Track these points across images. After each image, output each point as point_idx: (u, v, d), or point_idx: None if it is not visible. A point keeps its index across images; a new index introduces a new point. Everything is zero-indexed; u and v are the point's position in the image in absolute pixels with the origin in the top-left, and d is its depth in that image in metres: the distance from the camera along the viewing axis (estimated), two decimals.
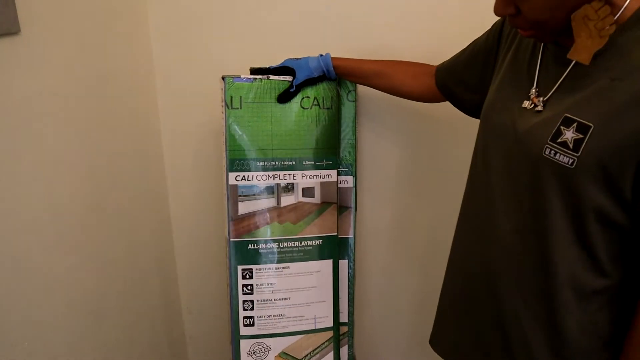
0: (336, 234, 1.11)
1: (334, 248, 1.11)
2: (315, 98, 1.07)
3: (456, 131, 1.11)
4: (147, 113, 1.20)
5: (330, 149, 1.09)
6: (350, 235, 1.15)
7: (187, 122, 1.21)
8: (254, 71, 1.04)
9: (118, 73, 1.07)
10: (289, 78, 1.04)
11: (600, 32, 0.61)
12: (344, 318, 1.16)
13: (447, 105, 0.97)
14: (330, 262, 1.11)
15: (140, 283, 1.18)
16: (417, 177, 1.21)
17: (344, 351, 1.17)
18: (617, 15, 0.61)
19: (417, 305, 1.29)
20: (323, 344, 1.13)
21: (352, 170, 1.14)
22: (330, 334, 1.13)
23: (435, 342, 0.90)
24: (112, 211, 1.06)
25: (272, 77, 1.04)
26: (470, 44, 0.91)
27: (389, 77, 1.01)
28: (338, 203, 1.11)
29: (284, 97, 1.04)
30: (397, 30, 1.10)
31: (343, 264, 1.15)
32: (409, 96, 1.03)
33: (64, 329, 0.93)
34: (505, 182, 0.72)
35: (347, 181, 1.14)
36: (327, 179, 1.09)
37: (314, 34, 1.13)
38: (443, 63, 0.97)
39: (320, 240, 1.10)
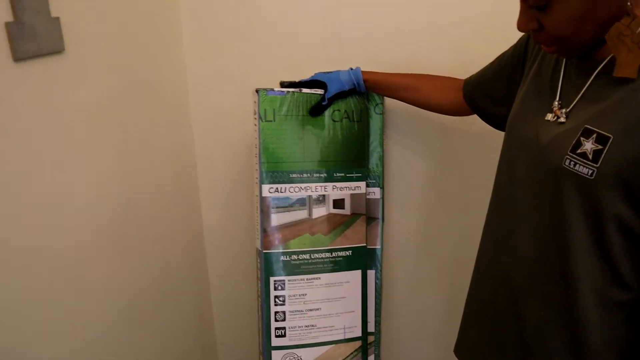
0: (365, 244, 1.12)
1: (363, 258, 1.12)
2: (345, 111, 1.08)
3: (482, 143, 1.13)
4: (180, 126, 1.22)
5: (360, 161, 1.10)
6: (378, 246, 1.16)
7: (219, 135, 1.23)
8: (284, 85, 1.06)
9: (153, 88, 1.10)
10: (320, 91, 1.05)
11: (639, 44, 0.60)
12: (371, 328, 1.17)
13: (473, 117, 1.00)
14: (359, 272, 1.12)
15: (174, 291, 1.19)
16: (444, 188, 1.23)
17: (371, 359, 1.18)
18: None
19: (444, 315, 1.30)
20: (352, 353, 1.14)
21: (380, 182, 1.15)
22: (358, 343, 1.14)
23: (460, 351, 0.91)
24: (146, 221, 1.08)
25: (304, 90, 1.05)
26: (497, 57, 0.92)
27: (418, 91, 1.03)
28: (367, 214, 1.12)
29: (317, 110, 1.05)
30: (425, 45, 1.13)
31: (370, 274, 1.16)
32: (437, 109, 1.05)
33: (97, 335, 0.94)
34: (528, 193, 0.73)
35: (375, 192, 1.16)
36: (356, 191, 1.11)
37: (342, 48, 1.15)
38: (470, 77, 0.99)
39: (350, 251, 1.11)
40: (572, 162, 0.64)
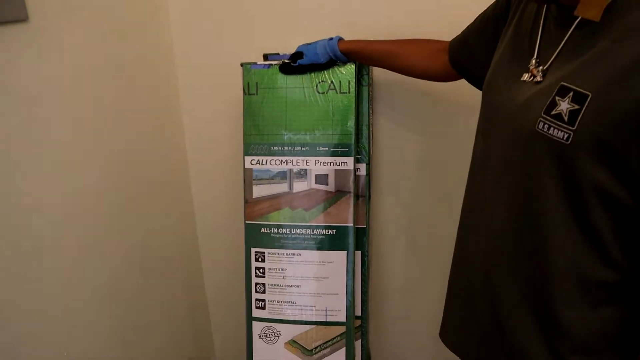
0: (351, 225, 1.05)
1: (348, 239, 1.06)
2: (331, 82, 1.04)
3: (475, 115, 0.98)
4: (168, 102, 1.19)
5: (347, 135, 1.04)
6: (364, 226, 1.08)
7: (209, 109, 1.24)
8: (267, 57, 1.06)
9: (136, 60, 1.06)
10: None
11: None
12: (357, 311, 1.10)
13: (465, 87, 0.87)
14: (343, 254, 1.06)
15: (165, 271, 1.22)
16: (437, 165, 1.11)
17: (358, 344, 1.11)
18: None
19: (437, 298, 1.14)
20: (334, 338, 1.08)
21: (367, 157, 1.07)
22: (342, 329, 1.08)
23: (444, 335, 0.83)
24: (132, 199, 1.08)
25: (286, 62, 1.04)
26: (479, 15, 0.82)
27: (402, 57, 0.94)
28: (354, 192, 1.05)
29: (286, 68, 1.03)
30: (408, 7, 1.02)
31: (357, 255, 1.09)
32: (424, 76, 0.95)
33: (82, 319, 0.95)
34: (500, 162, 0.65)
35: (361, 169, 1.08)
36: (342, 167, 1.05)
37: (329, 17, 1.10)
38: (455, 38, 0.88)
39: (334, 230, 1.06)
40: (545, 125, 0.56)
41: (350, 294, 1.06)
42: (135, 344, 1.12)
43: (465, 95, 0.87)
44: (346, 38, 1.00)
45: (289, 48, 1.05)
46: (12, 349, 0.81)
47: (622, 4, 0.53)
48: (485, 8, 0.82)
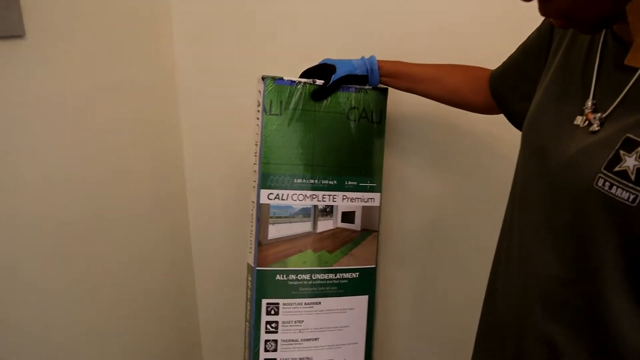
0: (374, 266, 0.97)
1: (371, 282, 0.96)
2: (364, 109, 0.93)
3: (498, 150, 1.00)
4: (167, 123, 1.06)
5: (376, 169, 0.95)
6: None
7: (212, 134, 1.07)
8: (301, 75, 0.90)
9: (136, 80, 0.95)
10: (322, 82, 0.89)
11: None
12: None
13: (488, 121, 0.87)
14: (365, 298, 0.96)
15: (155, 305, 1.04)
16: (451, 203, 1.10)
17: None
18: None
19: (449, 348, 1.16)
20: None
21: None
22: None
23: None
24: (122, 225, 0.92)
25: (318, 81, 0.89)
26: (521, 44, 0.77)
27: (442, 82, 0.88)
28: (380, 231, 0.97)
29: (319, 93, 0.89)
30: (443, 33, 0.99)
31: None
32: (463, 104, 0.89)
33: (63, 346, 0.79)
34: (544, 218, 0.58)
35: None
36: (369, 203, 0.95)
37: (351, 41, 1.00)
38: (497, 67, 0.83)
39: (357, 273, 0.95)
40: (607, 183, 0.49)
41: (370, 342, 0.97)
42: None
43: (491, 127, 0.87)
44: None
45: (296, 74, 0.91)
46: None
47: None
48: (528, 35, 0.76)
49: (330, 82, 0.88)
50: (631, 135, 0.48)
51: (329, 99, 0.90)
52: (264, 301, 0.90)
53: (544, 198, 0.58)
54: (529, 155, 0.63)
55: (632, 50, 0.48)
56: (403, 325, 1.18)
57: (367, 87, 0.92)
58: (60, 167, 0.78)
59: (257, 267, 0.90)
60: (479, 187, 1.07)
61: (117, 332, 0.92)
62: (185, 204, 1.13)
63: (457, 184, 1.09)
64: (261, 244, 0.89)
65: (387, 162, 0.98)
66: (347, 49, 0.94)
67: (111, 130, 0.88)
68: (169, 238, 1.09)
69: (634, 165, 0.48)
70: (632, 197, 0.48)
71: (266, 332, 0.91)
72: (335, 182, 0.92)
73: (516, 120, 0.78)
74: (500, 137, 1.02)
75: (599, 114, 0.53)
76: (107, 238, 0.89)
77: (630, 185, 0.48)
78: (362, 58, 0.90)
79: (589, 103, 0.55)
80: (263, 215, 0.89)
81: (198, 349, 1.21)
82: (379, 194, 0.95)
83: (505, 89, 0.79)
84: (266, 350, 0.92)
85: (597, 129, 0.53)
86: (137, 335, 0.99)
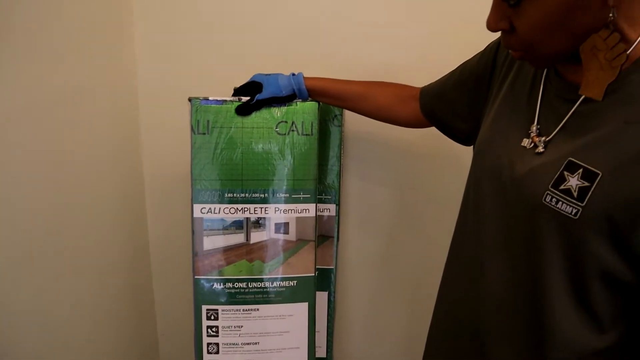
0: (313, 274, 0.99)
1: (310, 290, 0.99)
2: (293, 123, 0.95)
3: (449, 160, 0.99)
4: (127, 127, 1.11)
5: (309, 181, 0.97)
6: (332, 266, 1.04)
7: (170, 144, 1.13)
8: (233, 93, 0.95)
9: (96, 84, 0.98)
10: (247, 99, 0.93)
11: (611, 62, 0.54)
12: (322, 353, 1.07)
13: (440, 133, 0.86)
14: (305, 305, 0.99)
15: (114, 312, 1.10)
16: (406, 208, 1.10)
17: None
18: (630, 49, 0.53)
19: (403, 341, 1.17)
20: None
21: (336, 198, 1.02)
22: None
23: None
24: (80, 230, 0.96)
25: (243, 98, 0.93)
26: (460, 66, 0.81)
27: (370, 100, 0.90)
28: (316, 241, 0.99)
29: (243, 109, 0.93)
30: (384, 49, 0.98)
31: (323, 295, 1.06)
32: (391, 120, 0.92)
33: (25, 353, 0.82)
34: (498, 229, 0.65)
35: (330, 209, 1.03)
36: (304, 214, 0.97)
37: (299, 52, 1.02)
38: (428, 86, 0.86)
39: (295, 282, 0.98)
40: (553, 199, 0.56)
41: (312, 347, 1.00)
42: None
43: (442, 138, 0.85)
44: (313, 75, 0.92)
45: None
46: None
47: (637, 85, 0.54)
48: (466, 60, 0.80)
49: (255, 100, 0.91)
50: (573, 159, 0.56)
51: (255, 114, 0.93)
52: (204, 307, 0.97)
53: (500, 212, 0.64)
54: (485, 175, 0.68)
55: (584, 82, 0.56)
56: (359, 323, 1.20)
57: (296, 100, 0.94)
58: (17, 172, 0.78)
59: (195, 275, 0.96)
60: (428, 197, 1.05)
61: (77, 341, 0.96)
62: (144, 210, 1.19)
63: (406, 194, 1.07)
64: (197, 254, 0.96)
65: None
66: (286, 63, 0.97)
67: (70, 134, 0.91)
68: (127, 244, 1.14)
69: (576, 185, 0.55)
70: (574, 211, 0.55)
71: (207, 336, 0.98)
72: (265, 195, 0.96)
73: (451, 133, 0.85)
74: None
75: (543, 138, 0.60)
76: (67, 243, 0.91)
77: (573, 201, 0.55)
78: (290, 77, 0.92)
79: (534, 128, 0.62)
80: (197, 228, 0.95)
81: (155, 352, 1.29)
82: (313, 205, 0.97)
83: (441, 109, 0.83)
84: (209, 352, 0.99)
85: (542, 150, 0.60)
86: (98, 343, 1.03)
